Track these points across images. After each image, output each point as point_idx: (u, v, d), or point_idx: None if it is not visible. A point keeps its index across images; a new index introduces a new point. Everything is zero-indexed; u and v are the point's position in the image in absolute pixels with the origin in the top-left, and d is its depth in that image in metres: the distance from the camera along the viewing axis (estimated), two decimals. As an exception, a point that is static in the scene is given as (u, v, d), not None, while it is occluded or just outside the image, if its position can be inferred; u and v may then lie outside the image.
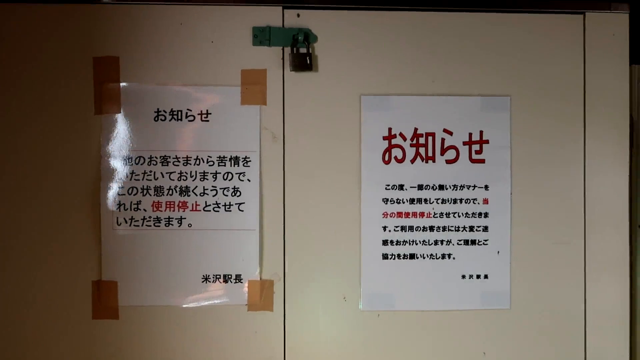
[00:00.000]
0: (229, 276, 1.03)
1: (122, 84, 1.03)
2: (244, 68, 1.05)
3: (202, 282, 1.03)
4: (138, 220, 1.02)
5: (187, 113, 1.04)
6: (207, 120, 1.05)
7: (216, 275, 1.03)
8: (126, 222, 1.02)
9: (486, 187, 1.07)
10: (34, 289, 1.02)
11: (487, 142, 1.08)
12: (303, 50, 1.05)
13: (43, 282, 1.02)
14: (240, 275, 1.03)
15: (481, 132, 1.08)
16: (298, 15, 1.06)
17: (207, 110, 1.05)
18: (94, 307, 1.01)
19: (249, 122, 1.05)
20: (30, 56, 1.03)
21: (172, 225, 1.03)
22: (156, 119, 1.04)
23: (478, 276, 1.07)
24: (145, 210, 1.03)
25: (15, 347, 1.02)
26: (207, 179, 1.04)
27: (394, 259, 1.06)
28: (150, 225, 1.02)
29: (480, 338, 1.06)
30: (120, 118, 1.03)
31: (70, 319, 1.02)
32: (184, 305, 1.02)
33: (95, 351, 1.02)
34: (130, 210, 1.03)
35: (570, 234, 1.08)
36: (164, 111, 1.04)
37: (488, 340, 1.06)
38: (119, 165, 1.03)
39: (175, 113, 1.04)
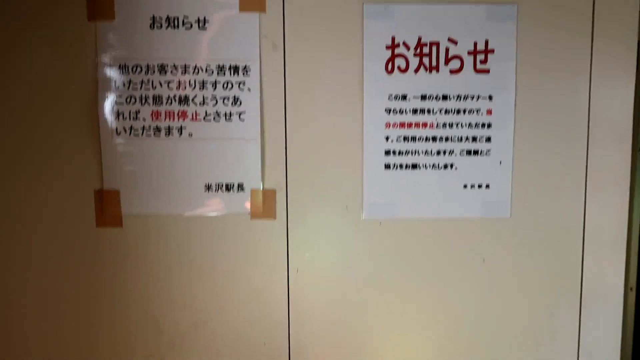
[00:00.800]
0: (231, 185, 1.02)
1: (115, -12, 0.99)
2: (242, -29, 1.01)
3: (205, 191, 1.02)
4: (138, 130, 1.00)
5: (184, 21, 0.99)
6: (205, 29, 1.00)
7: (218, 184, 1.02)
8: (126, 131, 1.00)
9: (490, 97, 1.04)
10: (37, 200, 1.01)
11: (492, 51, 1.04)
12: (303, -50, 1.00)
13: (46, 193, 1.01)
14: (242, 184, 1.02)
15: (486, 41, 1.04)
16: None
17: (204, 18, 0.99)
18: (97, 215, 1.01)
19: (248, 30, 1.00)
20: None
21: (173, 134, 1.01)
22: (152, 26, 0.99)
23: (479, 186, 1.06)
24: (144, 119, 1.00)
25: (21, 258, 1.02)
26: (207, 88, 1.01)
27: (396, 169, 1.05)
28: (150, 135, 1.00)
29: (480, 246, 1.07)
30: (114, 25, 0.98)
31: (74, 228, 1.01)
32: (187, 214, 1.02)
33: (100, 259, 1.02)
34: (130, 119, 1.00)
35: (573, 147, 1.06)
36: (160, 18, 0.99)
37: (488, 248, 1.07)
38: (115, 74, 0.99)
39: (171, 20, 0.99)
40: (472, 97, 1.04)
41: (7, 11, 0.98)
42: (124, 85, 0.99)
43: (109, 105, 0.99)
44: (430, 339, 1.09)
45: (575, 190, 1.08)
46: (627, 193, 1.10)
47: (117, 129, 1.00)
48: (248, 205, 1.02)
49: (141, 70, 0.99)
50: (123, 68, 0.99)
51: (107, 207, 1.01)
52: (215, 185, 1.02)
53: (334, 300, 1.07)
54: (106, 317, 1.04)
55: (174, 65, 1.00)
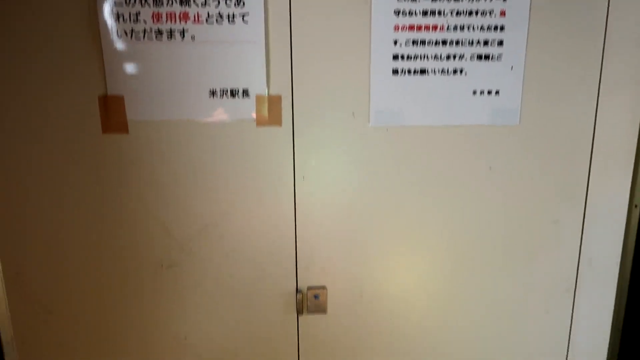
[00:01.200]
0: (236, 90, 1.00)
1: None
2: None
3: (210, 97, 1.00)
4: (139, 33, 0.96)
5: None
6: None
7: (223, 89, 1.00)
8: (127, 34, 0.96)
9: (504, -4, 1.00)
10: (42, 108, 0.99)
11: (509, -53, 0.99)
12: None
13: (50, 101, 0.99)
14: (247, 89, 1.00)
15: None
16: None
17: None
18: (102, 121, 1.00)
19: None
20: None
21: (175, 38, 0.97)
22: None
23: (489, 92, 1.03)
24: (145, 21, 0.96)
25: (28, 167, 1.02)
26: (208, -12, 0.97)
27: (404, 74, 1.01)
28: (152, 38, 0.96)
29: (487, 153, 1.06)
30: None
31: (81, 135, 1.01)
32: (193, 120, 1.01)
33: (107, 166, 1.03)
34: (130, 22, 0.96)
35: (588, 51, 1.02)
36: None
37: (495, 156, 1.06)
38: (113, -26, 0.96)
39: None
40: (486, -2, 0.99)
41: None
42: (122, -15, 0.95)
43: (108, 7, 0.95)
44: (434, 243, 1.11)
45: (588, 99, 1.05)
46: (640, 105, 1.07)
47: (117, 32, 0.96)
48: (254, 111, 1.01)
49: (139, -32, 0.95)
50: (120, -34, 0.95)
51: (112, 113, 1.00)
52: (220, 90, 1.00)
53: (340, 206, 1.07)
54: (115, 223, 1.06)
55: (173, -37, 0.95)
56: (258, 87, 1.00)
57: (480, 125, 1.04)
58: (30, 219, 1.05)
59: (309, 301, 1.12)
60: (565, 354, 1.20)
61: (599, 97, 1.05)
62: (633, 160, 1.11)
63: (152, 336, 1.13)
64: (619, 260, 1.16)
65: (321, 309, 1.12)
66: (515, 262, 1.13)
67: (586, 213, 1.12)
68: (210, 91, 1.00)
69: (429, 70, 1.02)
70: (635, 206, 1.25)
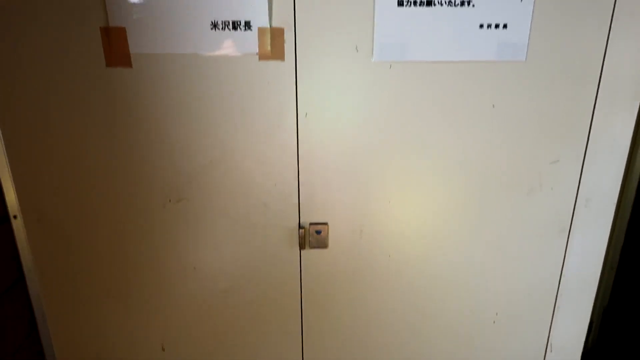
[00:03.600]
0: (238, 23, 0.95)
1: None
2: None
3: (211, 29, 0.95)
4: (138, -41, 0.93)
5: None
6: None
7: (225, 21, 0.94)
8: (125, -39, 0.93)
9: None
10: (44, 43, 0.95)
11: None
12: None
13: (51, 34, 0.94)
14: (249, 22, 0.95)
15: None
16: None
17: None
18: (106, 54, 0.96)
19: None
20: None
21: (175, -35, 0.93)
22: None
23: (497, 25, 0.97)
24: (143, -53, 0.92)
25: (35, 103, 0.99)
26: None
27: (410, 5, 0.95)
28: (151, -35, 0.93)
29: (491, 90, 1.01)
30: None
31: (84, 67, 0.97)
32: (195, 53, 0.96)
33: (112, 99, 1.00)
34: (128, -52, 0.92)
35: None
36: None
37: (498, 93, 1.01)
38: None
39: None
40: None
41: None
42: None
43: None
44: (434, 181, 1.08)
45: (598, 35, 0.98)
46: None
47: (116, -41, 0.92)
48: (256, 44, 0.96)
49: None
50: None
51: (115, 45, 0.95)
52: (222, 23, 0.95)
53: (342, 144, 1.04)
54: (123, 158, 1.04)
55: None
56: (260, 19, 0.94)
57: (486, 62, 0.98)
58: (41, 153, 1.04)
59: (311, 236, 1.11)
60: (555, 294, 1.20)
61: (610, 32, 0.99)
62: (639, 101, 1.06)
63: (163, 267, 1.14)
64: (615, 201, 1.13)
65: (323, 244, 1.12)
66: (513, 201, 1.11)
67: (587, 153, 1.08)
68: (212, 22, 0.95)
69: (436, 1, 0.95)
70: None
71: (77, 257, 1.13)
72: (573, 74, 1.01)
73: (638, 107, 1.05)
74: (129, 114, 1.02)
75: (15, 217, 1.08)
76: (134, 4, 0.93)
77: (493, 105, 1.03)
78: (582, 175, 1.10)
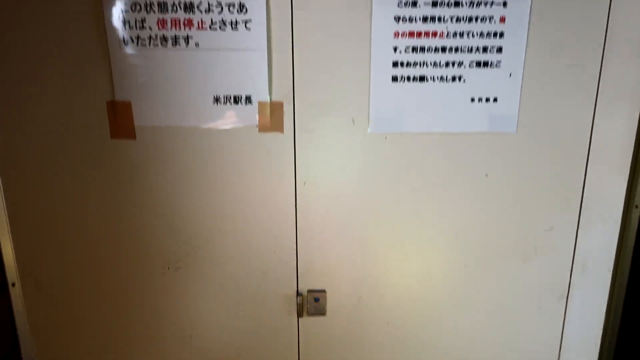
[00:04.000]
0: (239, 97, 0.98)
1: None
2: None
3: (214, 103, 0.98)
4: (145, 39, 0.95)
5: None
6: None
7: (226, 96, 0.98)
8: (133, 41, 0.95)
9: (504, 4, 0.95)
10: (52, 114, 0.99)
11: (508, -45, 0.96)
12: None
13: (59, 105, 0.98)
14: (250, 96, 0.98)
15: (503, -56, 0.96)
16: None
17: None
18: (111, 126, 0.99)
19: None
20: None
21: (179, 44, 0.95)
22: None
23: (487, 99, 1.00)
24: (151, 28, 0.94)
25: (39, 172, 1.02)
26: (212, -5, 0.96)
27: (404, 81, 0.99)
28: (157, 45, 0.95)
29: (484, 160, 1.03)
30: None
31: (89, 139, 1.00)
32: (197, 127, 0.99)
33: (115, 171, 1.02)
34: (136, 28, 0.94)
35: (587, 57, 0.98)
36: None
37: (491, 163, 1.03)
38: (119, -19, 0.94)
39: None
40: (486, 4, 0.95)
41: None
42: (128, -8, 0.94)
43: (115, 13, 0.94)
44: (431, 249, 1.08)
45: (585, 106, 1.02)
46: (638, 111, 1.04)
47: (124, 39, 0.95)
48: (256, 117, 0.99)
49: (145, -23, 0.94)
50: (127, -25, 0.94)
51: (120, 118, 0.99)
52: (224, 97, 0.98)
53: (340, 212, 1.05)
54: (124, 225, 1.05)
55: (178, -28, 0.94)
56: (260, 94, 0.98)
57: (478, 133, 1.01)
58: (43, 221, 1.05)
59: (309, 304, 1.10)
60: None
61: (597, 104, 1.02)
62: (629, 166, 1.07)
63: (159, 335, 1.12)
64: (612, 266, 1.13)
65: (321, 311, 1.10)
66: (510, 268, 1.10)
67: (580, 220, 1.09)
68: (214, 97, 0.98)
69: (428, 77, 0.99)
70: (636, 206, 1.22)
71: (75, 326, 1.12)
72: (563, 142, 1.04)
73: (629, 170, 1.08)
74: (131, 183, 1.03)
75: (13, 284, 1.08)
76: (141, 78, 0.97)
77: (486, 175, 1.04)
78: (577, 241, 1.10)
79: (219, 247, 1.07)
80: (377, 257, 1.09)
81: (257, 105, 0.99)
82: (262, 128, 1.00)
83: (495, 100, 1.01)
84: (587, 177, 1.06)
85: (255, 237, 1.06)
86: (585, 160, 1.06)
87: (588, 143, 1.05)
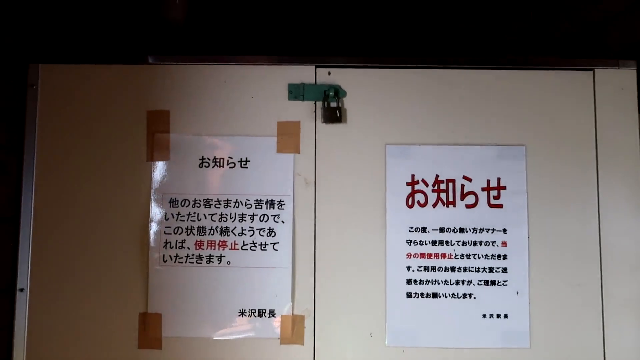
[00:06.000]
0: (263, 311, 1.03)
1: (171, 135, 1.08)
2: (280, 120, 1.08)
3: (239, 315, 1.03)
4: (182, 258, 1.04)
5: (228, 160, 1.07)
6: (246, 167, 1.07)
7: (252, 309, 1.03)
8: (171, 259, 1.04)
9: (504, 230, 1.06)
10: (85, 320, 1.04)
11: (504, 188, 1.08)
12: (333, 104, 1.07)
13: (94, 313, 1.04)
14: (273, 310, 1.03)
15: (498, 178, 1.08)
16: (329, 74, 1.10)
17: (246, 158, 1.08)
18: (139, 337, 1.02)
19: (284, 168, 1.07)
20: (95, 112, 1.09)
21: (213, 262, 1.04)
22: (200, 165, 1.08)
23: (498, 315, 1.04)
24: (189, 248, 1.05)
25: None
26: (245, 220, 1.06)
27: (418, 297, 1.05)
28: (193, 262, 1.04)
29: (503, 374, 1.04)
30: (169, 164, 1.07)
31: (117, 348, 1.03)
32: (222, 338, 1.03)
33: (139, 379, 1.04)
34: (176, 248, 1.05)
35: (586, 276, 1.05)
36: (208, 159, 1.07)
37: (510, 377, 1.04)
38: (166, 207, 1.06)
39: (217, 160, 1.07)
40: (488, 230, 1.06)
41: (83, 153, 1.08)
42: (173, 217, 1.06)
43: (158, 235, 1.05)
44: None
45: (593, 318, 1.05)
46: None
47: (163, 257, 1.04)
48: (278, 330, 1.03)
49: (189, 203, 1.06)
50: (173, 202, 1.06)
51: (150, 330, 1.02)
52: (249, 310, 1.03)
53: None
54: None
55: (218, 200, 1.06)
56: (283, 308, 1.03)
57: (493, 348, 1.03)
58: None
59: None
60: None
61: (604, 315, 1.04)
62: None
63: None
64: None
65: None
66: None
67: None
68: (240, 311, 1.03)
69: (441, 294, 1.05)
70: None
71: None
72: (578, 357, 1.04)
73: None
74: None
75: None
76: (173, 292, 1.03)
77: (506, 391, 1.03)
78: None
79: None
80: None
81: (279, 318, 1.04)
82: (284, 340, 1.03)
83: (506, 316, 1.04)
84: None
85: None
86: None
87: (602, 354, 1.04)
